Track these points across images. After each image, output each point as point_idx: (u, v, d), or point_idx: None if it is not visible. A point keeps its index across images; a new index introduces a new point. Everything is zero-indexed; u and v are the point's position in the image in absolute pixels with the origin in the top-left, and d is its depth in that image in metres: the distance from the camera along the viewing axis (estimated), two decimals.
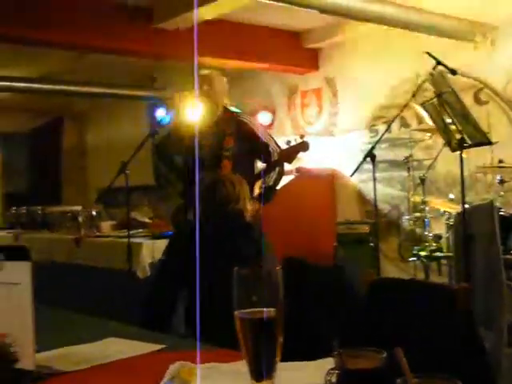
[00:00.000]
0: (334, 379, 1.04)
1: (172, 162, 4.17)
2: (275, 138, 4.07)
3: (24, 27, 5.24)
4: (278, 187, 4.03)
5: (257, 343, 1.00)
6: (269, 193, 3.93)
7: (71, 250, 5.72)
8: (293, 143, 3.93)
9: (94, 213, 6.30)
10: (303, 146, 3.82)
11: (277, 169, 3.93)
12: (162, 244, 4.75)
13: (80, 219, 6.14)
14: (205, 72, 4.11)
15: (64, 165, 10.40)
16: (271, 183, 3.92)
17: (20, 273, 1.44)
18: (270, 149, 3.94)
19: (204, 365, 1.38)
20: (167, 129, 4.95)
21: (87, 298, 4.84)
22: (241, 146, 3.92)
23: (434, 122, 3.74)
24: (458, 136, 3.38)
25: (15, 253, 1.47)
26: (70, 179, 10.27)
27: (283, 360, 1.04)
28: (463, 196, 3.29)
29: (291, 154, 3.85)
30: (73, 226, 6.14)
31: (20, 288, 1.43)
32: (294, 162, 4.06)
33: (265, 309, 1.00)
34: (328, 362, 1.21)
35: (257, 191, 3.94)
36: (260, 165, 4.20)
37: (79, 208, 6.73)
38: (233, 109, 4.15)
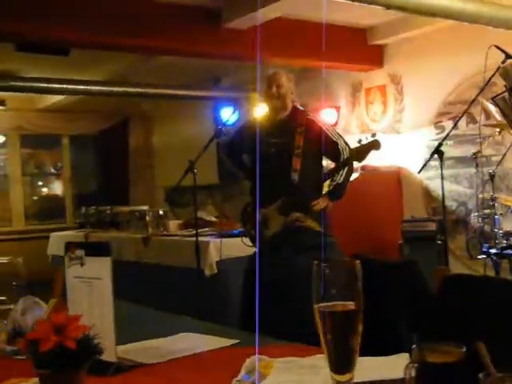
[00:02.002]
0: (413, 373, 1.04)
1: (241, 160, 4.20)
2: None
3: (92, 32, 5.38)
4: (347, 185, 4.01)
5: (337, 336, 1.00)
6: (338, 190, 3.93)
7: (139, 249, 5.83)
8: (364, 142, 3.90)
9: (160, 212, 6.40)
10: (375, 145, 3.77)
11: (346, 167, 3.91)
12: (229, 242, 4.81)
13: (147, 218, 6.25)
14: (273, 71, 4.09)
15: (131, 165, 10.60)
16: (341, 181, 3.91)
17: (101, 268, 1.49)
18: (339, 147, 3.93)
19: (281, 359, 1.40)
20: (232, 128, 5.00)
21: (156, 296, 4.93)
22: (310, 144, 3.91)
23: (505, 116, 3.65)
24: None
25: (96, 249, 1.53)
26: (137, 179, 10.46)
27: (359, 356, 1.04)
28: None
29: (363, 152, 3.82)
30: (140, 226, 6.25)
31: (101, 283, 1.48)
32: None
33: (344, 302, 1.01)
34: (404, 357, 1.21)
35: (326, 189, 3.94)
36: (329, 163, 4.20)
37: (146, 208, 6.85)
38: (301, 107, 4.16)
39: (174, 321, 2.09)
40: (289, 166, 3.85)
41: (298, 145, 3.89)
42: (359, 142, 3.87)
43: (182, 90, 7.77)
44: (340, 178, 3.89)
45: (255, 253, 3.77)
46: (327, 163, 4.24)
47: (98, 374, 1.35)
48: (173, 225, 6.13)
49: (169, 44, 5.78)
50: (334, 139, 3.94)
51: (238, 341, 1.68)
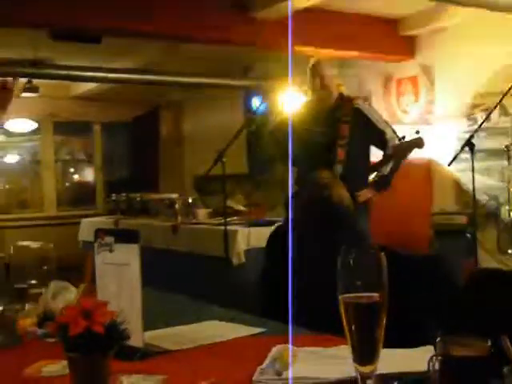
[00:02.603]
0: (437, 366, 1.04)
1: (287, 149, 4.07)
2: None
3: (124, 20, 5.41)
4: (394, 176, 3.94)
5: (361, 327, 1.01)
6: (384, 181, 3.87)
7: (168, 237, 5.87)
8: (407, 138, 3.83)
9: (190, 200, 6.43)
10: (418, 143, 3.72)
11: (392, 161, 3.85)
12: (257, 231, 4.83)
13: (177, 206, 6.28)
14: (313, 62, 4.08)
15: (161, 153, 10.65)
16: (387, 172, 3.87)
17: (129, 255, 1.52)
18: (387, 137, 3.88)
19: (306, 348, 1.41)
20: (262, 118, 4.99)
21: (184, 283, 4.97)
22: (356, 133, 3.87)
23: None
24: None
25: (125, 236, 1.55)
26: (167, 167, 10.51)
27: (383, 348, 1.04)
28: None
29: (406, 149, 3.77)
30: (170, 213, 6.28)
31: (129, 269, 1.51)
32: None
33: (369, 293, 1.01)
34: (428, 350, 1.21)
35: (371, 179, 3.89)
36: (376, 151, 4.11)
37: (176, 196, 6.88)
38: (348, 95, 4.09)
39: (201, 309, 2.10)
40: (335, 156, 3.82)
41: (343, 135, 3.85)
42: (403, 138, 3.81)
43: (211, 79, 7.78)
44: (387, 169, 3.85)
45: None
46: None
47: (125, 359, 1.37)
48: (202, 213, 6.15)
49: (198, 32, 5.78)
50: (382, 129, 3.89)
51: (264, 329, 1.70)
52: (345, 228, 2.39)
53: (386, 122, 4.01)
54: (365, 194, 3.88)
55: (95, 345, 1.14)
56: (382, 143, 3.92)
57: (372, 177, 3.96)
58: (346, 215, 2.44)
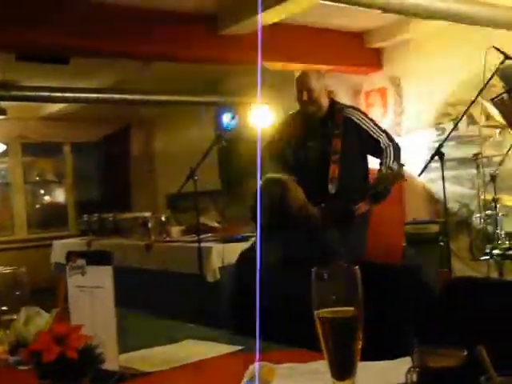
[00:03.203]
0: (415, 377, 1.04)
1: (285, 161, 3.93)
2: None
3: (92, 40, 5.39)
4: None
5: (338, 342, 1.01)
6: (379, 194, 3.71)
7: (142, 256, 5.82)
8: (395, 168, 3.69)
9: (163, 218, 6.40)
10: (401, 178, 3.58)
11: (390, 170, 3.69)
12: (231, 248, 4.80)
13: (150, 225, 6.24)
14: (300, 74, 3.93)
15: (133, 172, 10.61)
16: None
17: (102, 277, 1.49)
18: (382, 145, 3.74)
19: (284, 365, 1.40)
20: (233, 133, 4.97)
21: (159, 302, 4.92)
22: (349, 145, 3.73)
23: (505, 117, 3.66)
24: None
25: (97, 258, 1.53)
26: (139, 186, 10.46)
27: (360, 361, 1.04)
28: None
29: (391, 180, 3.60)
30: (143, 232, 6.24)
31: (102, 291, 1.49)
32: None
33: (345, 308, 1.01)
34: (406, 362, 1.21)
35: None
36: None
37: (149, 214, 6.84)
38: (339, 103, 3.92)
39: (177, 328, 2.08)
40: (326, 173, 3.67)
41: (336, 149, 3.70)
42: (391, 168, 3.64)
43: (182, 96, 7.78)
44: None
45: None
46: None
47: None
48: (175, 231, 6.13)
49: (168, 50, 5.79)
50: (375, 137, 3.76)
51: (241, 347, 1.68)
52: (307, 236, 2.41)
53: (380, 128, 3.86)
54: (360, 208, 3.76)
55: (69, 371, 1.12)
56: (376, 152, 3.78)
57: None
58: (303, 222, 2.48)
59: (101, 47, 5.51)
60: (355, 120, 3.82)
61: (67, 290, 1.56)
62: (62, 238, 8.07)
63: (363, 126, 3.80)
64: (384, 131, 3.85)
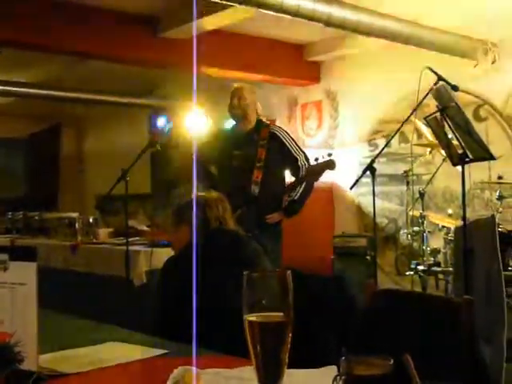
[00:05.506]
0: None
1: (208, 170, 4.27)
2: None
3: (26, 32, 5.26)
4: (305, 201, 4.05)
5: (266, 347, 0.99)
6: (294, 207, 3.99)
7: (67, 257, 5.70)
8: (320, 160, 3.93)
9: (90, 220, 6.28)
10: (330, 165, 3.82)
11: (303, 184, 3.95)
12: (159, 252, 4.75)
13: (77, 226, 6.12)
14: (235, 85, 4.21)
15: (62, 171, 10.39)
16: (297, 197, 3.96)
17: (25, 273, 1.44)
18: (299, 163, 4.01)
19: (209, 370, 1.38)
20: (167, 138, 4.97)
21: (84, 304, 4.82)
22: (272, 157, 4.00)
23: (436, 136, 3.74)
24: (460, 150, 3.39)
25: (21, 253, 1.47)
26: (68, 185, 10.25)
27: (287, 368, 1.03)
28: (464, 210, 3.29)
29: (317, 171, 3.88)
30: (69, 233, 6.12)
31: (25, 289, 1.43)
32: None
33: (274, 313, 1.00)
34: (332, 370, 1.21)
35: (285, 204, 4.00)
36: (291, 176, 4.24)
37: (76, 214, 6.70)
38: (266, 121, 4.24)
39: (101, 330, 2.03)
40: (250, 178, 3.93)
41: (260, 158, 3.97)
42: (316, 160, 3.90)
43: (115, 97, 7.68)
44: (296, 195, 3.95)
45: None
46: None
47: None
48: (103, 233, 6.02)
49: (104, 49, 5.71)
50: (295, 155, 4.04)
51: (166, 351, 1.65)
52: (227, 247, 2.45)
53: (300, 148, 4.14)
54: (273, 218, 3.99)
55: None
56: (294, 169, 4.05)
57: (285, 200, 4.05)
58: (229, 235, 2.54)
59: (33, 40, 5.37)
60: (280, 136, 4.10)
61: None
62: None
63: (286, 142, 4.08)
64: (303, 152, 4.13)
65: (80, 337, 1.86)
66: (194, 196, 2.72)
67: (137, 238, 5.45)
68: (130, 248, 4.59)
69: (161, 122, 7.81)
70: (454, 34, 5.76)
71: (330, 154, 3.90)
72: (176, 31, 5.64)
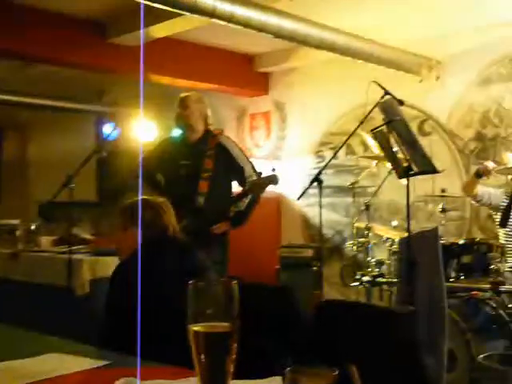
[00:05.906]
0: None
1: (154, 179, 4.23)
2: None
3: None
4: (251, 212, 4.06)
5: (211, 357, 0.98)
6: (240, 217, 3.99)
7: (7, 265, 5.56)
8: (264, 175, 3.96)
9: (32, 227, 6.15)
10: (273, 180, 3.86)
11: (249, 196, 3.96)
12: (104, 261, 4.68)
13: (18, 233, 5.98)
14: (181, 94, 4.18)
15: (3, 176, 10.14)
16: (243, 208, 3.97)
17: None
18: (245, 174, 4.02)
19: (150, 381, 1.35)
20: (113, 145, 4.91)
21: (23, 314, 4.70)
22: (219, 167, 4.00)
23: (382, 148, 3.80)
24: (405, 164, 3.44)
25: None
26: (9, 191, 10.01)
27: (232, 379, 1.02)
28: (408, 222, 3.34)
29: (261, 185, 3.90)
30: (10, 240, 5.97)
31: None
32: None
33: (219, 323, 0.98)
34: (277, 381, 1.20)
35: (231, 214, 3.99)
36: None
37: (17, 221, 6.54)
38: (214, 131, 4.20)
39: (41, 341, 1.98)
40: (196, 188, 3.92)
41: (206, 168, 3.97)
42: (260, 174, 3.93)
43: (61, 102, 7.55)
44: (242, 206, 3.95)
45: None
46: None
47: None
48: (45, 241, 5.89)
49: (50, 53, 5.61)
50: (241, 165, 4.04)
51: (108, 362, 1.61)
52: (174, 254, 2.42)
53: (247, 159, 4.16)
54: (219, 228, 3.98)
55: None
56: (240, 179, 4.05)
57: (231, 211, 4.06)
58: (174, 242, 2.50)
59: None
60: (227, 146, 4.11)
61: None
62: None
63: (233, 153, 4.10)
64: (250, 162, 4.16)
65: (18, 348, 1.80)
66: (139, 198, 2.67)
67: (81, 246, 5.35)
68: (73, 256, 4.50)
69: (107, 128, 7.73)
70: (401, 50, 5.89)
71: (273, 169, 3.94)
72: (125, 38, 5.59)
